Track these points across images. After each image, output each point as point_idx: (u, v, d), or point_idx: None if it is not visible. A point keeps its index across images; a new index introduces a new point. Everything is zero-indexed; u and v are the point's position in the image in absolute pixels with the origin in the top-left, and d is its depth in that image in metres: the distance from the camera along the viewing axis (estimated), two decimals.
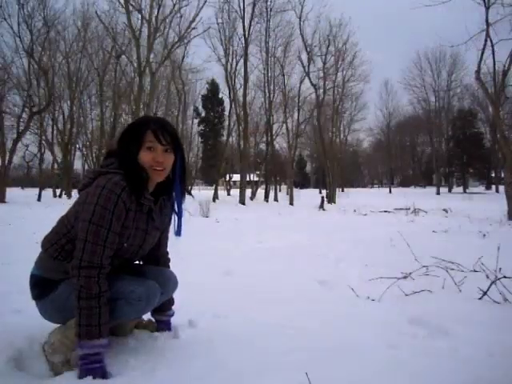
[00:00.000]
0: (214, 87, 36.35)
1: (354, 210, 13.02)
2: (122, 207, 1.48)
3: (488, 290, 2.37)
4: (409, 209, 12.28)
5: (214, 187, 24.58)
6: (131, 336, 1.77)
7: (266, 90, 24.75)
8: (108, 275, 1.49)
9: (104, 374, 1.39)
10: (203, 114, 37.43)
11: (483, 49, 10.48)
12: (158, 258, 1.84)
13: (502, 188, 20.30)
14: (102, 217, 1.43)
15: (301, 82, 24.64)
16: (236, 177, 36.89)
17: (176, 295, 1.96)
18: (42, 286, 1.60)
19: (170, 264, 1.91)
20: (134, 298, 1.50)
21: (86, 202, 1.47)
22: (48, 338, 1.57)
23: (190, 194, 23.88)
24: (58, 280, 1.57)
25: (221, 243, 5.02)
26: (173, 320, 1.91)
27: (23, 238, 5.40)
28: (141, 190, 1.54)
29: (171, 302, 1.87)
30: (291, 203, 20.66)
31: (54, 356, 1.51)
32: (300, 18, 22.80)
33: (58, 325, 1.62)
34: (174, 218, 1.74)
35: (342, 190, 39.87)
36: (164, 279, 1.73)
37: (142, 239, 1.62)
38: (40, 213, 11.13)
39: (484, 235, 5.76)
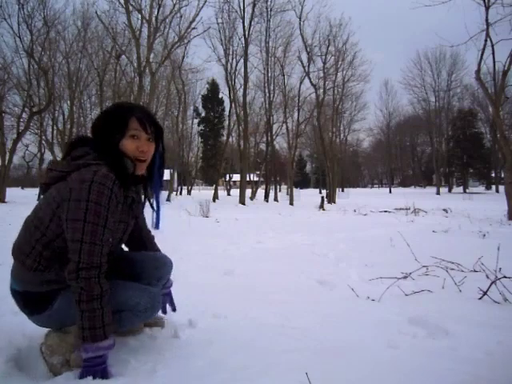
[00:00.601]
0: (214, 87, 36.36)
1: (354, 210, 13.01)
2: (115, 201, 1.40)
3: (488, 289, 2.37)
4: (409, 209, 12.27)
5: (213, 187, 24.58)
6: (131, 336, 1.77)
7: (266, 90, 24.77)
8: (108, 280, 1.44)
9: (105, 375, 1.36)
10: (203, 114, 37.45)
11: (483, 49, 10.47)
12: (143, 239, 1.82)
13: (502, 188, 20.30)
14: (97, 214, 1.33)
15: (301, 82, 24.66)
16: (236, 177, 36.92)
17: (176, 295, 1.96)
18: (32, 302, 1.49)
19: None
20: (139, 309, 1.48)
21: (71, 198, 1.34)
22: (45, 339, 1.57)
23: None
24: (47, 292, 1.46)
25: (221, 243, 5.02)
26: (173, 320, 1.92)
27: None
28: (128, 181, 1.47)
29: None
30: (291, 203, 20.66)
31: (53, 357, 1.50)
32: (300, 18, 22.82)
33: None
34: (153, 212, 1.65)
35: (342, 190, 39.90)
36: (160, 263, 1.73)
37: (123, 232, 1.56)
38: None
39: (484, 235, 5.75)
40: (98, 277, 1.35)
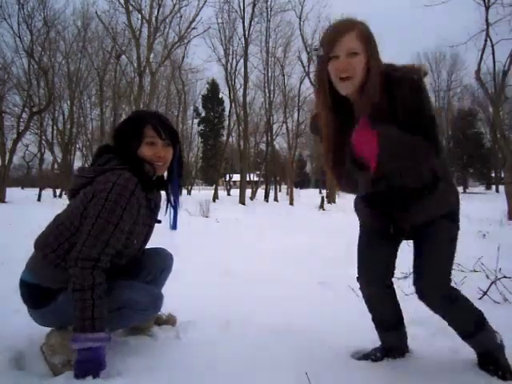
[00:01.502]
0: (214, 87, 36.34)
1: None
2: (135, 203, 1.46)
3: (488, 289, 2.37)
4: None
5: (213, 187, 24.58)
6: (131, 336, 1.77)
7: (266, 90, 24.77)
8: (112, 278, 1.47)
9: (98, 370, 1.35)
10: (203, 114, 37.42)
11: (483, 49, 10.47)
12: None
13: (502, 188, 20.28)
14: (112, 212, 1.40)
15: (301, 82, 24.65)
16: (236, 177, 36.90)
17: (176, 295, 1.96)
18: (39, 296, 1.53)
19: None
20: (140, 308, 1.50)
21: (94, 198, 1.42)
22: (46, 339, 1.57)
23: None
24: (58, 289, 1.50)
25: (221, 243, 5.02)
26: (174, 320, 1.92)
27: (23, 238, 5.39)
28: (150, 185, 1.55)
29: None
30: (291, 203, 20.66)
31: (54, 357, 1.50)
32: (300, 18, 22.81)
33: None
34: (170, 211, 1.71)
35: None
36: (161, 257, 1.81)
37: (145, 235, 1.62)
38: (40, 213, 11.12)
39: (484, 235, 5.76)
40: (93, 269, 1.38)
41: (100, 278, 1.39)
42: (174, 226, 1.71)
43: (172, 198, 1.68)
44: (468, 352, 1.61)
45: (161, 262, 1.81)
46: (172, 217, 1.71)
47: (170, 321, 1.91)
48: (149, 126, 1.54)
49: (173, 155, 1.62)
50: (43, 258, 1.50)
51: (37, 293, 1.52)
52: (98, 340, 1.36)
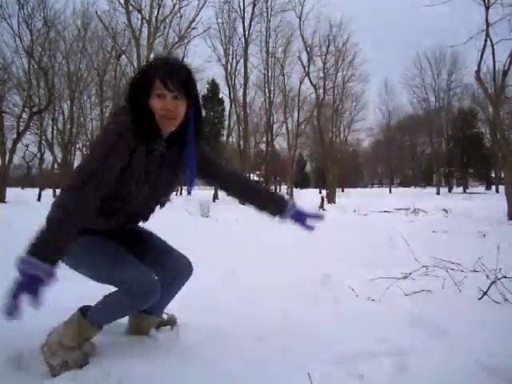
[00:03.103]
0: (213, 87, 36.32)
1: (354, 210, 13.00)
2: (124, 146, 1.41)
3: (488, 289, 2.37)
4: (409, 209, 12.27)
5: (213, 187, 24.56)
6: (130, 336, 1.77)
7: (266, 90, 24.84)
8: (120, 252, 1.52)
9: (36, 297, 1.24)
10: (203, 114, 37.41)
11: (483, 49, 10.46)
12: (239, 182, 1.85)
13: (502, 188, 20.30)
14: (98, 150, 1.39)
15: (301, 82, 24.73)
16: None
17: (178, 295, 1.96)
18: None
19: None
20: (131, 292, 1.46)
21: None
22: (46, 339, 1.57)
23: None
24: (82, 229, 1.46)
25: (221, 243, 5.02)
26: (174, 319, 1.92)
27: (23, 238, 5.39)
28: (149, 132, 1.46)
29: None
30: None
31: (53, 359, 1.50)
32: (300, 18, 22.87)
33: (56, 325, 1.62)
34: (187, 175, 1.61)
35: (342, 190, 39.92)
36: (177, 263, 1.76)
37: (153, 182, 1.56)
38: (40, 213, 11.10)
39: (484, 235, 5.75)
40: (73, 192, 1.33)
41: (73, 208, 1.31)
42: (189, 191, 1.66)
43: (187, 159, 1.57)
44: (468, 352, 1.61)
45: (175, 268, 1.73)
46: (188, 179, 1.61)
47: (170, 322, 1.88)
48: (157, 78, 1.45)
49: (188, 111, 1.52)
50: None
51: None
52: (35, 267, 1.25)
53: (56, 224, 1.30)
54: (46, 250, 1.28)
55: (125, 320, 1.76)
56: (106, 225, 1.57)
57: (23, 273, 1.25)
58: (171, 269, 1.74)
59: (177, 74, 1.46)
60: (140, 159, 1.47)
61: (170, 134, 1.54)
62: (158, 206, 1.71)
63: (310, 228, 1.85)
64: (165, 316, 1.90)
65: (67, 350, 1.51)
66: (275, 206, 1.82)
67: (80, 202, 1.33)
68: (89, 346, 1.58)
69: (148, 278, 1.50)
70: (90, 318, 1.57)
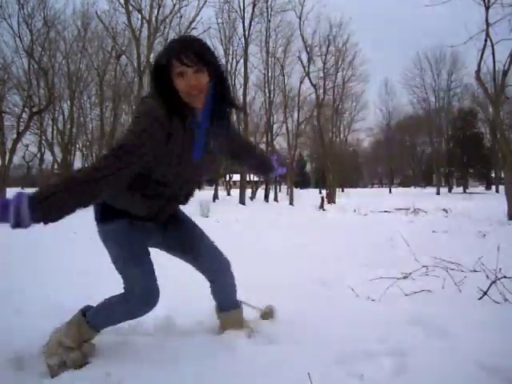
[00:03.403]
0: None
1: (354, 210, 13.01)
2: (158, 128, 1.40)
3: (488, 289, 2.37)
4: (409, 209, 12.27)
5: (213, 187, 24.58)
6: (131, 335, 1.77)
7: (266, 90, 24.80)
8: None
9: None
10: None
11: (483, 49, 10.46)
12: (245, 147, 1.96)
13: (502, 188, 20.30)
14: (128, 136, 1.38)
15: (301, 82, 24.67)
16: (236, 177, 36.87)
17: (176, 295, 1.96)
18: (103, 212, 1.58)
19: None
20: (132, 294, 1.52)
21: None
22: (49, 338, 1.58)
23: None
24: (118, 210, 1.55)
25: (221, 243, 5.01)
26: (174, 319, 1.92)
27: (23, 238, 5.40)
28: (180, 111, 1.45)
29: None
30: (291, 203, 20.66)
31: (51, 359, 1.51)
32: (300, 18, 22.82)
33: (58, 325, 1.62)
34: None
35: (342, 190, 39.91)
36: (213, 264, 1.84)
37: (189, 155, 1.53)
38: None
39: (484, 235, 5.75)
40: (100, 175, 1.29)
41: (108, 171, 1.30)
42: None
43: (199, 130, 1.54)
44: (468, 352, 1.61)
45: (211, 268, 1.82)
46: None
47: (268, 314, 2.01)
48: (174, 59, 1.42)
49: (212, 80, 1.48)
50: None
51: (103, 209, 1.57)
52: (19, 201, 1.20)
53: (74, 185, 1.26)
54: (43, 198, 1.23)
55: (129, 321, 1.76)
56: (148, 209, 1.58)
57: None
58: (208, 269, 1.81)
59: (190, 48, 1.44)
60: (177, 140, 1.45)
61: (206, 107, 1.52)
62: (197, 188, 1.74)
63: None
64: (261, 308, 2.00)
65: (66, 350, 1.52)
66: (265, 170, 2.14)
67: (113, 169, 1.31)
68: (88, 346, 1.58)
69: (151, 284, 1.53)
70: (88, 320, 1.58)
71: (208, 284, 1.85)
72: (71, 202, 1.26)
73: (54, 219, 1.25)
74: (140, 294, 1.51)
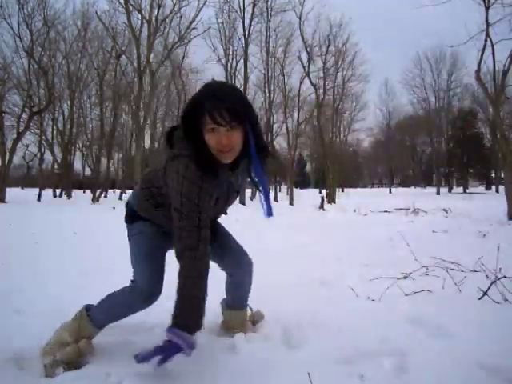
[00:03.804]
0: None
1: (354, 210, 13.01)
2: (206, 194, 1.42)
3: (488, 289, 2.37)
4: (409, 209, 12.27)
5: None
6: (131, 335, 1.77)
7: (266, 90, 24.79)
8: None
9: (166, 360, 1.38)
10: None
11: (483, 49, 10.46)
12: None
13: (502, 188, 20.29)
14: (188, 201, 1.39)
15: (301, 82, 24.63)
16: None
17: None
18: (132, 216, 1.69)
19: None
20: (134, 289, 1.59)
21: (170, 186, 1.44)
22: (51, 337, 1.60)
23: None
24: (141, 216, 1.65)
25: None
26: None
27: (23, 238, 5.40)
28: (212, 169, 1.43)
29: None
30: (291, 203, 20.66)
31: (44, 358, 1.53)
32: (300, 18, 22.79)
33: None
34: (261, 198, 1.57)
35: (342, 190, 39.89)
36: (235, 265, 1.86)
37: (223, 203, 1.62)
38: (40, 213, 11.11)
39: (484, 235, 5.75)
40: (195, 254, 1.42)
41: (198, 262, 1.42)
42: (269, 213, 1.59)
43: (258, 185, 1.56)
44: (468, 352, 1.61)
45: (234, 264, 1.86)
46: (264, 203, 1.57)
47: (255, 318, 2.00)
48: (206, 113, 1.36)
49: (245, 136, 1.43)
50: (141, 189, 1.65)
51: (131, 213, 1.69)
52: (189, 345, 1.37)
53: (190, 292, 1.40)
54: (189, 320, 1.39)
55: (129, 321, 1.76)
56: (166, 226, 1.61)
57: (169, 340, 1.37)
58: (230, 264, 1.85)
59: (226, 104, 1.35)
60: (212, 192, 1.47)
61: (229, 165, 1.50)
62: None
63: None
64: (249, 311, 2.00)
65: (62, 347, 1.53)
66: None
67: (200, 257, 1.42)
68: (86, 343, 1.59)
69: (155, 282, 1.59)
70: (90, 315, 1.61)
71: (211, 285, 1.85)
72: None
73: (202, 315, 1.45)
74: (142, 287, 1.57)
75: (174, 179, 1.41)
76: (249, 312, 2.01)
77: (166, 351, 1.36)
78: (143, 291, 1.57)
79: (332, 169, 24.95)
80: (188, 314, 1.38)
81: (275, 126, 27.31)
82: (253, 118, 1.46)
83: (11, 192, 19.95)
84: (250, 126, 1.44)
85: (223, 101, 1.36)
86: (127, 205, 1.73)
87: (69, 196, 24.23)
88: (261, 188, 1.56)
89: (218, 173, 1.46)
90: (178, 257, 1.41)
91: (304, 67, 23.18)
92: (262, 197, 1.56)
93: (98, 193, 21.67)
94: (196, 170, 1.39)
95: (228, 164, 1.47)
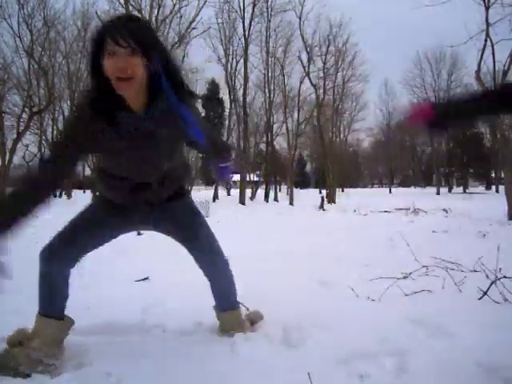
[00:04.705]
0: (214, 87, 36.36)
1: (354, 210, 13.00)
2: (83, 120, 1.32)
3: (488, 289, 2.37)
4: (409, 209, 12.26)
5: (213, 187, 24.58)
6: (131, 335, 1.77)
7: (266, 90, 24.77)
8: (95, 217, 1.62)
9: None
10: (203, 114, 37.43)
11: (483, 49, 10.46)
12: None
13: (502, 188, 20.27)
14: (63, 126, 1.45)
15: (301, 82, 24.64)
16: (236, 177, 36.91)
17: (176, 295, 1.96)
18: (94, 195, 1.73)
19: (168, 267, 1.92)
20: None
21: None
22: None
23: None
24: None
25: (221, 243, 5.01)
26: (174, 319, 1.91)
27: (23, 238, 5.39)
28: (105, 103, 1.31)
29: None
30: (291, 203, 20.66)
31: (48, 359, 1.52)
32: (300, 18, 22.81)
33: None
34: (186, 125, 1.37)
35: (342, 190, 39.87)
36: (208, 265, 1.85)
37: (142, 160, 1.45)
38: (40, 212, 11.09)
39: (484, 235, 5.75)
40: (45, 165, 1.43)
41: (50, 175, 1.42)
42: (198, 137, 1.38)
43: (181, 118, 1.35)
44: (468, 351, 1.61)
45: (200, 265, 1.83)
46: (195, 134, 1.37)
47: (253, 319, 1.99)
48: (107, 38, 1.23)
49: (153, 67, 1.28)
50: None
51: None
52: None
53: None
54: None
55: (128, 321, 1.76)
56: (116, 198, 1.60)
57: None
58: (204, 269, 1.83)
59: (128, 26, 1.24)
60: (105, 133, 1.34)
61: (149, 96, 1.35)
62: (172, 170, 1.58)
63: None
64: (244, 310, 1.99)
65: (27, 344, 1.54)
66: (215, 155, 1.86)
67: (48, 173, 1.39)
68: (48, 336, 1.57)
69: (56, 246, 1.57)
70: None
71: (208, 285, 1.85)
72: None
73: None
74: (45, 246, 1.58)
75: None
76: (245, 311, 1.99)
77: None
78: (43, 249, 1.57)
79: (332, 169, 24.93)
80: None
81: (275, 126, 27.32)
82: (162, 51, 1.33)
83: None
84: (160, 60, 1.30)
85: (126, 23, 1.27)
86: None
87: (69, 196, 24.23)
88: (184, 120, 1.35)
89: (117, 116, 1.33)
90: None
91: (304, 67, 23.21)
92: (190, 128, 1.35)
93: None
94: (83, 96, 1.37)
95: (136, 106, 1.34)
